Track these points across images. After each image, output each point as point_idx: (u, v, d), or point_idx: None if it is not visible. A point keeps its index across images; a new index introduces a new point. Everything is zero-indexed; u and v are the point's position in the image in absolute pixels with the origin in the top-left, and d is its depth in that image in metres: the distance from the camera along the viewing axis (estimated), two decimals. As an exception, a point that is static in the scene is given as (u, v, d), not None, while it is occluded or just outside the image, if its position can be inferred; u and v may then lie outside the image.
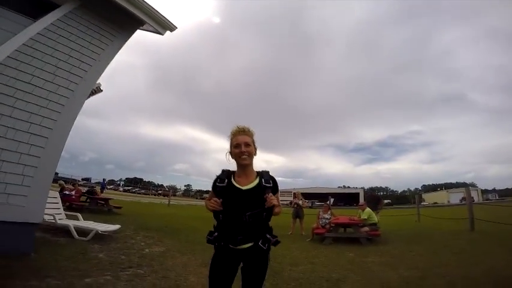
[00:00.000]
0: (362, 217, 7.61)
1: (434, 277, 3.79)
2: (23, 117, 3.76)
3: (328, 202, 10.40)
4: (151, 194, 50.22)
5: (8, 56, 3.72)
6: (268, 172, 1.84)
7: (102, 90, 7.47)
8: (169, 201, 21.46)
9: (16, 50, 3.80)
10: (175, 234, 7.13)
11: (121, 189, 52.87)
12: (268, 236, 1.74)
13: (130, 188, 55.82)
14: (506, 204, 17.60)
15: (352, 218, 8.14)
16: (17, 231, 3.49)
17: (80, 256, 3.94)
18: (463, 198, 36.15)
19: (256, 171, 1.84)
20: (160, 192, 54.37)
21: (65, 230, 5.22)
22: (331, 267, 4.58)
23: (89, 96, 5.75)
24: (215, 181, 1.81)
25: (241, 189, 1.72)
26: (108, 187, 41.79)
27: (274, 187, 1.78)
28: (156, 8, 4.95)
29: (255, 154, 1.84)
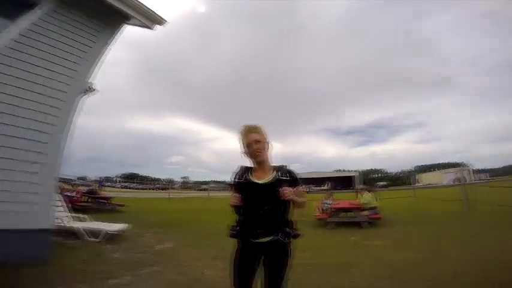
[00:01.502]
0: (362, 201, 7.84)
1: (437, 259, 3.99)
2: (22, 125, 3.73)
3: (326, 187, 10.63)
4: (149, 189, 50.14)
5: None
6: (285, 166, 1.91)
7: (95, 90, 7.33)
8: (169, 195, 21.56)
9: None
10: (182, 228, 7.29)
11: (118, 185, 52.58)
12: (287, 229, 1.79)
13: (127, 184, 55.58)
14: (496, 184, 18.21)
15: (352, 202, 8.37)
16: (33, 238, 3.53)
17: (97, 258, 4.04)
18: (457, 179, 36.90)
19: (273, 166, 1.90)
20: (158, 186, 54.30)
21: (74, 233, 5.24)
22: (337, 252, 4.79)
23: (82, 96, 5.68)
24: (234, 178, 1.90)
25: (258, 184, 1.79)
26: (105, 184, 41.51)
27: (292, 180, 1.82)
28: (141, 1, 4.77)
29: (268, 148, 1.91)
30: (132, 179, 67.06)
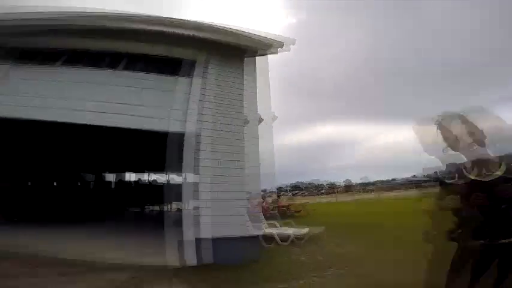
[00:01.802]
0: None
1: None
2: (227, 158, 4.99)
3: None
4: (315, 195, 53.01)
5: (200, 113, 5.02)
6: None
7: (263, 119, 8.81)
8: (336, 199, 22.15)
9: (203, 107, 5.06)
10: (360, 231, 7.41)
11: (289, 194, 59.07)
12: None
13: (296, 192, 61.40)
14: None
15: None
16: (247, 243, 4.66)
17: (288, 260, 4.81)
18: None
19: (499, 157, 1.58)
20: (323, 191, 56.51)
21: (269, 237, 6.29)
22: None
23: (258, 124, 6.94)
24: (443, 177, 1.72)
25: (483, 182, 1.53)
26: (280, 194, 47.89)
27: None
28: (261, 35, 5.40)
29: (484, 137, 1.58)
30: (300, 187, 73.25)
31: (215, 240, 4.46)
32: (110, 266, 4.00)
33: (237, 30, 5.30)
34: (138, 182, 12.73)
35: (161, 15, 5.47)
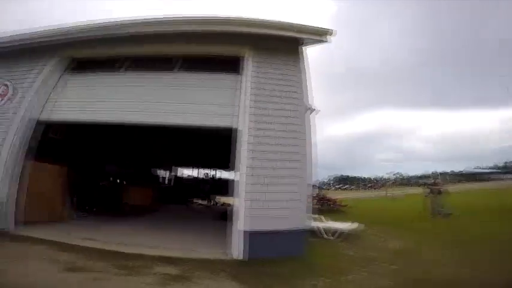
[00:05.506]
0: None
1: None
2: (277, 150, 4.82)
3: None
4: (361, 189, 50.48)
5: (251, 107, 4.93)
6: None
7: (314, 109, 7.71)
8: (386, 193, 20.80)
9: (253, 100, 5.03)
10: (411, 227, 7.09)
11: (332, 188, 57.16)
12: None
13: (340, 186, 59.11)
14: None
15: None
16: (293, 237, 4.52)
17: (335, 254, 4.66)
18: None
19: None
20: (370, 185, 53.46)
21: (314, 232, 6.19)
22: None
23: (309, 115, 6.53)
24: None
25: None
26: (323, 188, 46.58)
27: None
28: (303, 23, 5.25)
29: None
30: (343, 181, 70.46)
31: (260, 234, 4.46)
32: (165, 260, 3.94)
33: (282, 22, 5.22)
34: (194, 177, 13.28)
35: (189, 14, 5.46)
